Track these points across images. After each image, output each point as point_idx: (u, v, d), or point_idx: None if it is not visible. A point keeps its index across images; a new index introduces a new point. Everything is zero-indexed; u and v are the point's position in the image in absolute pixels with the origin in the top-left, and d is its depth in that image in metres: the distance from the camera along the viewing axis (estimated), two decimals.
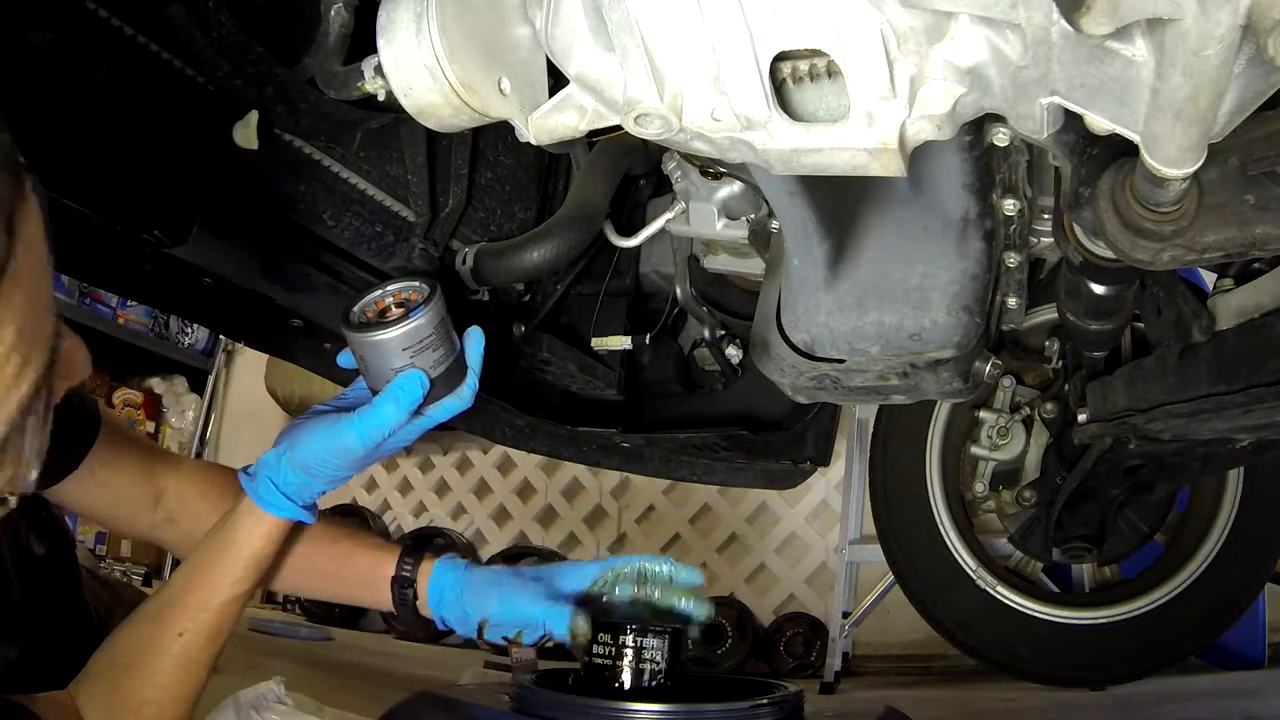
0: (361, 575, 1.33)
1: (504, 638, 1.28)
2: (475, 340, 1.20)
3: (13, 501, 0.78)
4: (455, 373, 1.17)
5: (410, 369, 1.11)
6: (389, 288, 1.17)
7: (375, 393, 1.13)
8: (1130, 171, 0.79)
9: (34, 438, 0.75)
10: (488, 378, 1.33)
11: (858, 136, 0.71)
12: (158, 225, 1.21)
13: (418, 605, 1.31)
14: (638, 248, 1.78)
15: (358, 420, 1.10)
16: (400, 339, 1.10)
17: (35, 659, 1.16)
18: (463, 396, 1.18)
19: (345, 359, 1.19)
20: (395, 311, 1.14)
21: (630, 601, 1.27)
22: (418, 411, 1.14)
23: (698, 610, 1.27)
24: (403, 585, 1.31)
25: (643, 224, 1.68)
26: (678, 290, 1.81)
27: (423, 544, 1.35)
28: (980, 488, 2.29)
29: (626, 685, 1.28)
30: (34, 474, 0.78)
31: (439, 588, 1.30)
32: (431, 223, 1.47)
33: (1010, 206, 1.12)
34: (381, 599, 1.32)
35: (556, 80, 0.89)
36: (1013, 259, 1.21)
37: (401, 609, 1.31)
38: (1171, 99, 0.59)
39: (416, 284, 1.16)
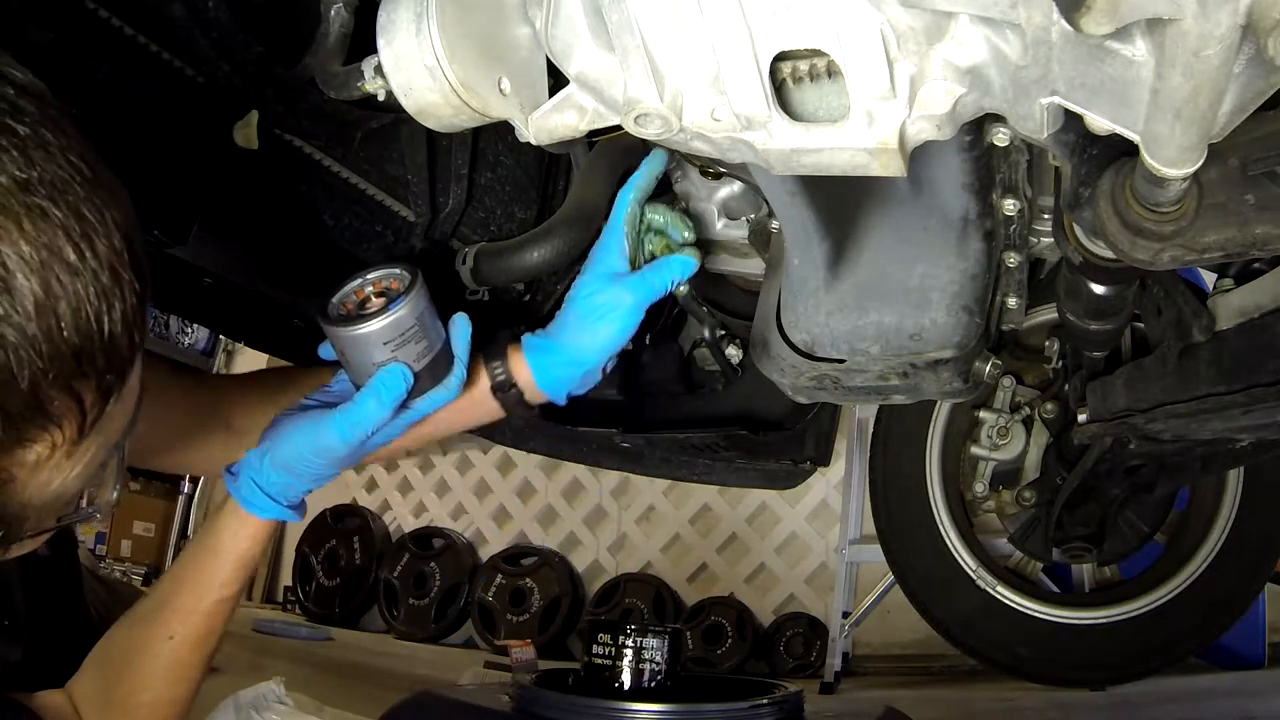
0: (456, 404, 1.21)
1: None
2: (461, 328, 1.15)
3: (100, 516, 0.86)
4: (441, 363, 1.12)
5: (393, 363, 1.06)
6: (369, 276, 1.11)
7: (357, 387, 1.09)
8: (1130, 171, 0.79)
9: (121, 463, 0.86)
10: None
11: (858, 136, 0.72)
12: (158, 225, 1.21)
13: (526, 399, 1.22)
14: None
15: (340, 417, 1.07)
16: (380, 332, 1.05)
17: (38, 660, 1.17)
18: (450, 387, 1.13)
19: (325, 351, 1.15)
20: (375, 302, 1.09)
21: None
22: (403, 405, 1.10)
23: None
24: (504, 389, 1.21)
25: None
26: (678, 290, 1.80)
27: (496, 334, 1.21)
28: (980, 488, 2.29)
29: (626, 685, 1.28)
30: (114, 494, 0.88)
31: (543, 374, 1.21)
32: (431, 223, 1.47)
33: (1010, 206, 1.12)
34: (488, 412, 1.24)
35: (556, 80, 0.89)
36: (1013, 259, 1.21)
37: (516, 411, 1.24)
38: (1171, 99, 0.59)
39: (397, 271, 1.10)
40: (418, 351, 1.08)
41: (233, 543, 1.12)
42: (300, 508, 1.14)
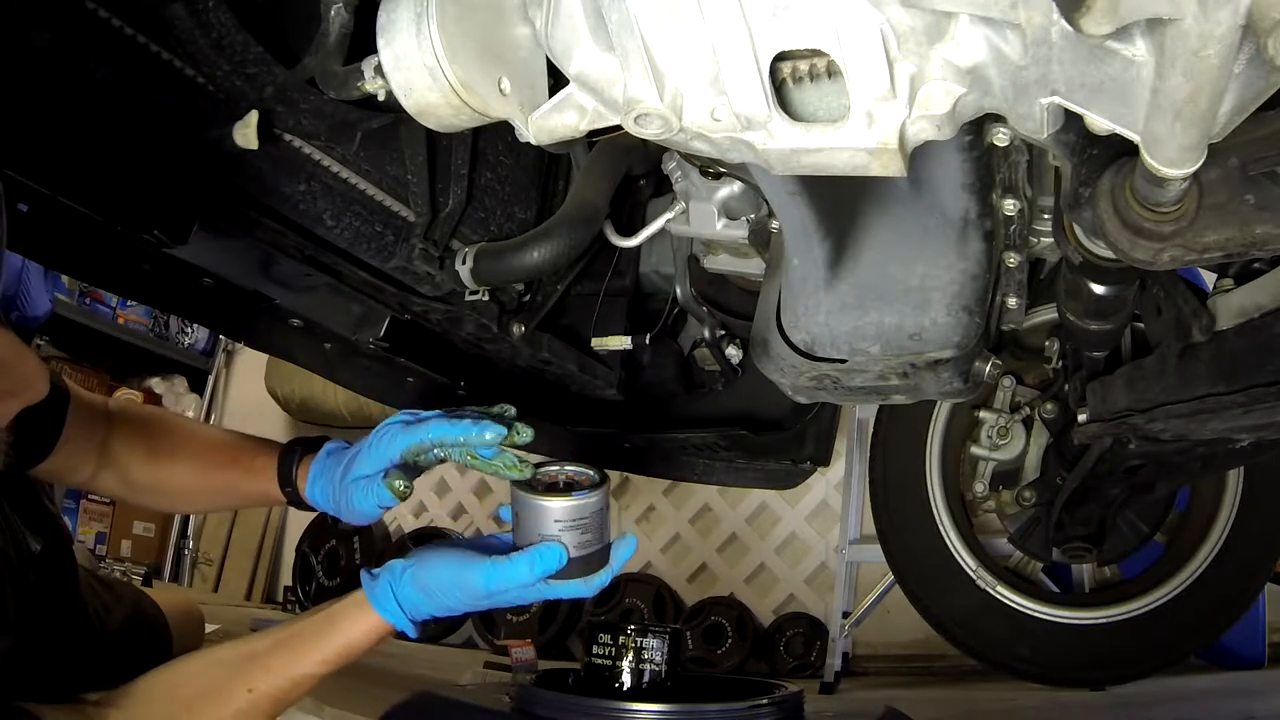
0: (256, 495, 1.44)
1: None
2: (627, 546, 1.28)
3: None
4: (594, 562, 1.23)
5: (555, 541, 1.19)
6: (568, 467, 1.27)
7: (517, 548, 1.22)
8: (1130, 171, 0.79)
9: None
10: (491, 380, 1.33)
11: (858, 136, 0.71)
12: (158, 225, 1.21)
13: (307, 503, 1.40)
14: (638, 248, 1.78)
15: (490, 566, 1.17)
16: (556, 511, 1.19)
17: (28, 652, 1.17)
18: (591, 585, 1.24)
19: (506, 512, 1.28)
20: (563, 486, 1.24)
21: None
22: (547, 579, 1.20)
23: (516, 472, 1.27)
24: (294, 501, 1.40)
25: (643, 224, 1.68)
26: (678, 290, 1.81)
27: (296, 450, 1.42)
28: (980, 488, 2.28)
29: (626, 685, 1.28)
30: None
31: (314, 496, 1.37)
32: (431, 223, 1.47)
33: (1010, 206, 1.12)
34: (275, 502, 1.43)
35: (556, 80, 0.89)
36: (1013, 259, 1.21)
37: (297, 507, 1.41)
38: (1171, 99, 0.59)
39: (591, 472, 1.26)
40: (579, 541, 1.21)
41: (349, 628, 1.19)
42: (420, 626, 1.21)
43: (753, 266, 1.72)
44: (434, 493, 4.79)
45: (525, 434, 1.28)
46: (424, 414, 1.30)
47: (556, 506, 1.19)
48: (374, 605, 1.18)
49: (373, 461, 1.29)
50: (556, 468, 1.27)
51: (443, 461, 1.31)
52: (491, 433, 1.24)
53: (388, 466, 1.28)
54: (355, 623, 1.19)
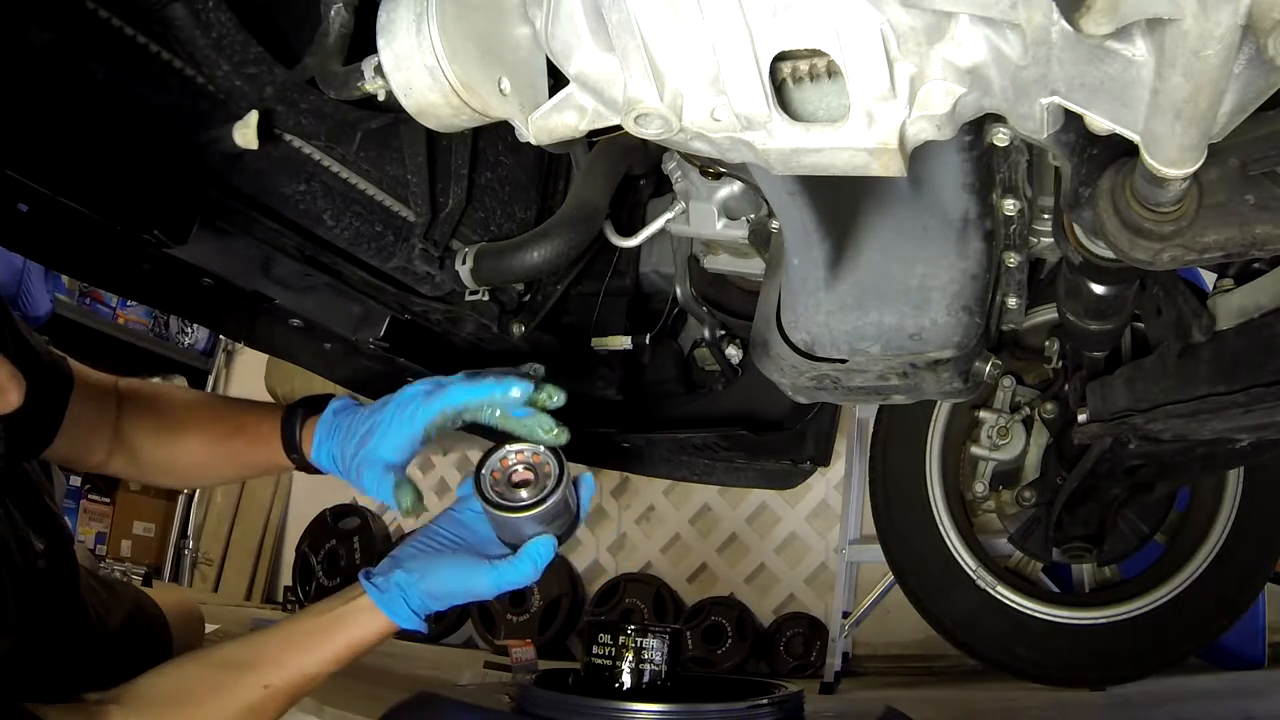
0: (265, 463, 1.43)
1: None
2: (588, 491, 1.31)
3: None
4: (572, 526, 1.29)
5: (544, 535, 1.22)
6: (512, 448, 1.24)
7: (508, 545, 1.24)
8: (1130, 171, 0.79)
9: None
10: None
11: (858, 136, 0.71)
12: (158, 225, 1.21)
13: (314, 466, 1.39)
14: (638, 248, 1.78)
15: (495, 573, 1.20)
16: (535, 516, 1.20)
17: (30, 652, 1.17)
18: (568, 536, 1.29)
19: (464, 489, 1.28)
20: (523, 474, 1.23)
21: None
22: None
23: (553, 436, 1.24)
24: (301, 465, 1.39)
25: (643, 224, 1.68)
26: (678, 290, 1.81)
27: (297, 413, 1.39)
28: (980, 488, 2.28)
29: (626, 685, 1.28)
30: None
31: (321, 459, 1.36)
32: (431, 223, 1.47)
33: (1010, 206, 1.12)
34: (283, 469, 1.42)
35: (556, 80, 0.89)
36: (1013, 259, 1.21)
37: (304, 471, 1.40)
38: (1171, 99, 0.59)
39: (543, 451, 1.24)
40: (560, 524, 1.25)
41: (360, 632, 1.21)
42: (427, 621, 1.23)
43: (753, 266, 1.72)
44: (434, 492, 4.78)
45: (557, 396, 1.25)
46: (445, 380, 1.27)
47: (535, 514, 1.20)
48: (389, 615, 1.20)
49: (392, 439, 1.26)
50: (503, 452, 1.24)
51: (471, 425, 1.29)
52: (518, 389, 1.22)
53: (405, 459, 1.27)
54: (366, 626, 1.21)
